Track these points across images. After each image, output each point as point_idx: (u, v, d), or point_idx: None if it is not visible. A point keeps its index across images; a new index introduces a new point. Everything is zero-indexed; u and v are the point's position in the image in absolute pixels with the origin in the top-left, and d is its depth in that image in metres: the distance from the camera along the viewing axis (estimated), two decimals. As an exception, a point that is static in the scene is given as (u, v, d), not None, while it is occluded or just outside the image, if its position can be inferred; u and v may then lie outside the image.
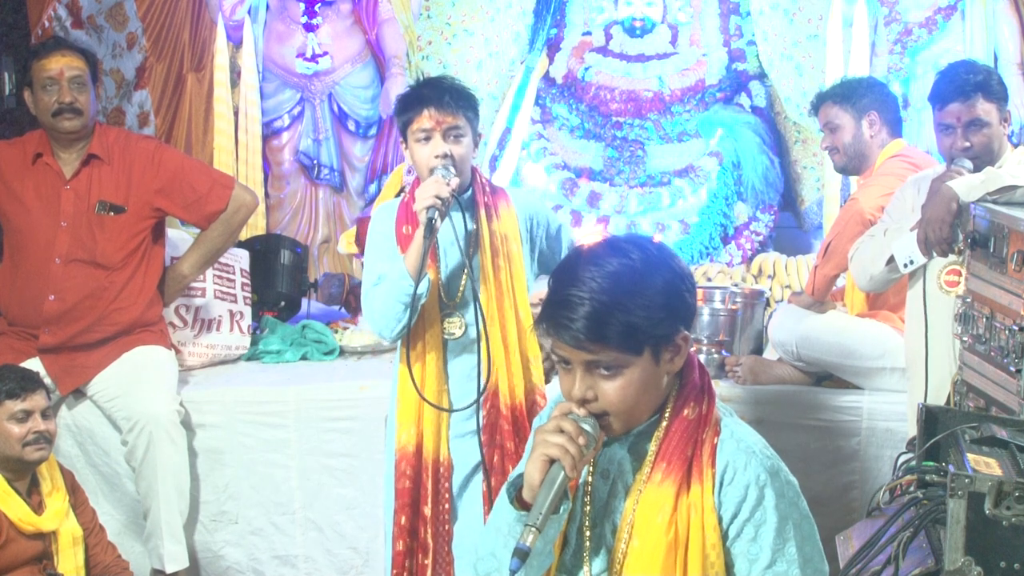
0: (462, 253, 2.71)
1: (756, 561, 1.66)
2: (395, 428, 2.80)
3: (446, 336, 2.77)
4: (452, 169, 2.67)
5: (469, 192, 2.79)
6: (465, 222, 2.73)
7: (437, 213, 2.59)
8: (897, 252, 2.99)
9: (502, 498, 1.67)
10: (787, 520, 1.67)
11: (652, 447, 1.70)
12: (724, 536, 1.67)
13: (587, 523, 1.72)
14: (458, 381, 2.78)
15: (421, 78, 2.93)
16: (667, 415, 1.70)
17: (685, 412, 1.70)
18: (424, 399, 2.71)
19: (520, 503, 1.64)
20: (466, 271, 2.73)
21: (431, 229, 2.59)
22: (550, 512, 1.58)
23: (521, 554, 1.54)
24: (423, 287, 2.64)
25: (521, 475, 1.65)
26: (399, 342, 2.78)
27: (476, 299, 2.71)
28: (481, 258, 2.77)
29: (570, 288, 1.62)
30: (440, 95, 2.69)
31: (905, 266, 2.98)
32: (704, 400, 1.72)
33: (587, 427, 1.62)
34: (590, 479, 1.73)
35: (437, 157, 2.68)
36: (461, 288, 2.76)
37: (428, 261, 2.69)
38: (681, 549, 1.65)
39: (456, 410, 2.76)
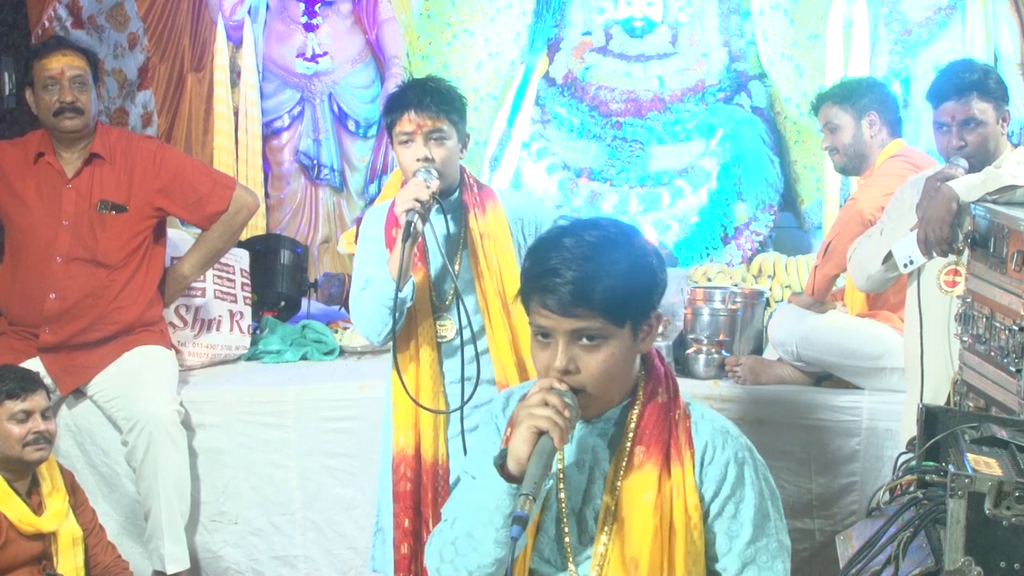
0: (442, 256, 2.71)
1: (737, 537, 1.72)
2: (391, 431, 2.80)
3: (439, 339, 2.77)
4: (434, 172, 2.66)
5: (457, 193, 2.79)
6: (447, 224, 2.72)
7: (417, 216, 2.57)
8: (897, 252, 2.99)
9: (489, 476, 1.67)
10: (764, 496, 1.74)
11: (628, 432, 1.73)
12: (705, 515, 1.72)
13: (564, 512, 1.74)
14: (454, 382, 2.78)
15: (408, 79, 2.90)
16: (639, 400, 1.74)
17: (656, 396, 1.74)
18: (418, 404, 2.71)
19: (503, 476, 1.65)
20: (451, 274, 2.73)
21: (408, 232, 2.57)
22: (543, 482, 1.60)
23: (522, 521, 1.55)
24: (406, 291, 2.63)
25: (502, 453, 1.66)
26: (392, 345, 2.79)
27: (460, 301, 2.70)
28: (471, 260, 2.76)
29: (553, 258, 1.65)
30: (421, 98, 2.67)
31: (905, 266, 2.98)
32: (670, 385, 1.77)
33: (569, 400, 1.64)
34: (561, 466, 1.75)
35: (418, 160, 2.67)
36: (452, 290, 2.76)
37: (416, 264, 2.69)
38: (666, 531, 1.68)
39: (447, 412, 2.76)
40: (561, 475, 1.75)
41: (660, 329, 3.82)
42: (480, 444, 1.85)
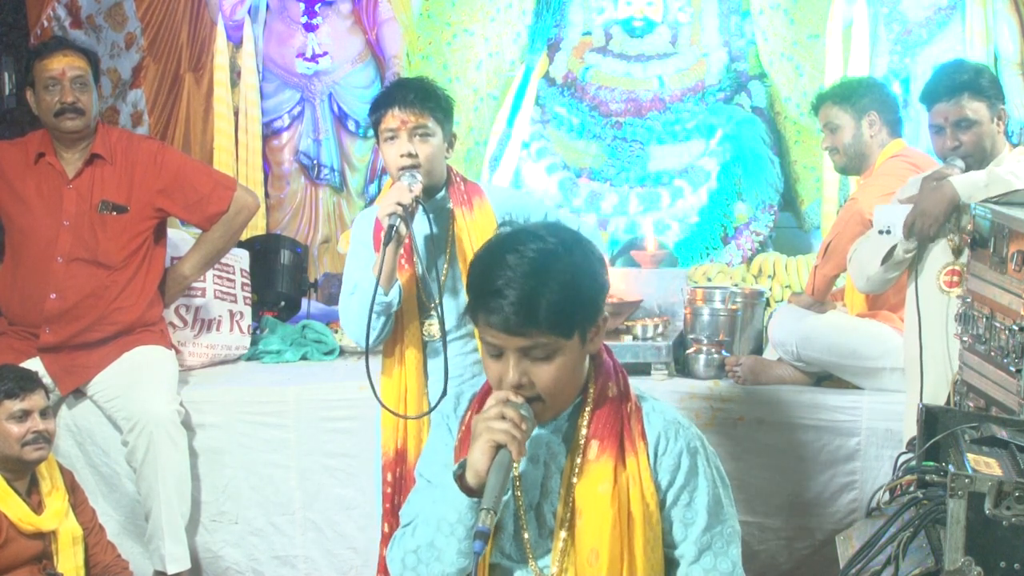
0: (421, 261, 2.70)
1: (692, 524, 1.76)
2: (380, 433, 2.79)
3: (426, 338, 2.77)
4: (417, 175, 2.66)
5: (443, 192, 2.79)
6: (431, 225, 2.72)
7: (399, 220, 2.58)
8: (878, 215, 3.01)
9: (449, 489, 1.69)
10: (716, 484, 1.78)
11: (582, 427, 1.76)
12: (660, 504, 1.76)
13: (522, 509, 1.76)
14: (438, 382, 2.76)
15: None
16: (591, 395, 1.77)
17: (607, 391, 1.77)
18: (387, 409, 2.71)
19: (462, 489, 1.68)
20: (436, 273, 2.72)
21: (390, 236, 2.57)
22: (502, 495, 1.62)
23: (483, 536, 1.58)
24: (392, 294, 2.63)
25: (460, 465, 1.68)
26: (381, 347, 2.78)
27: (441, 302, 2.70)
28: (459, 258, 2.76)
29: (496, 277, 1.65)
30: (406, 95, 2.69)
31: (880, 232, 2.99)
32: (620, 378, 1.80)
33: (525, 412, 1.67)
34: (516, 465, 1.77)
35: (402, 156, 2.68)
36: (441, 289, 2.75)
37: (402, 265, 2.69)
38: (625, 521, 1.72)
39: (420, 416, 2.74)
40: (517, 473, 1.78)
41: (660, 328, 3.83)
42: (432, 446, 1.87)
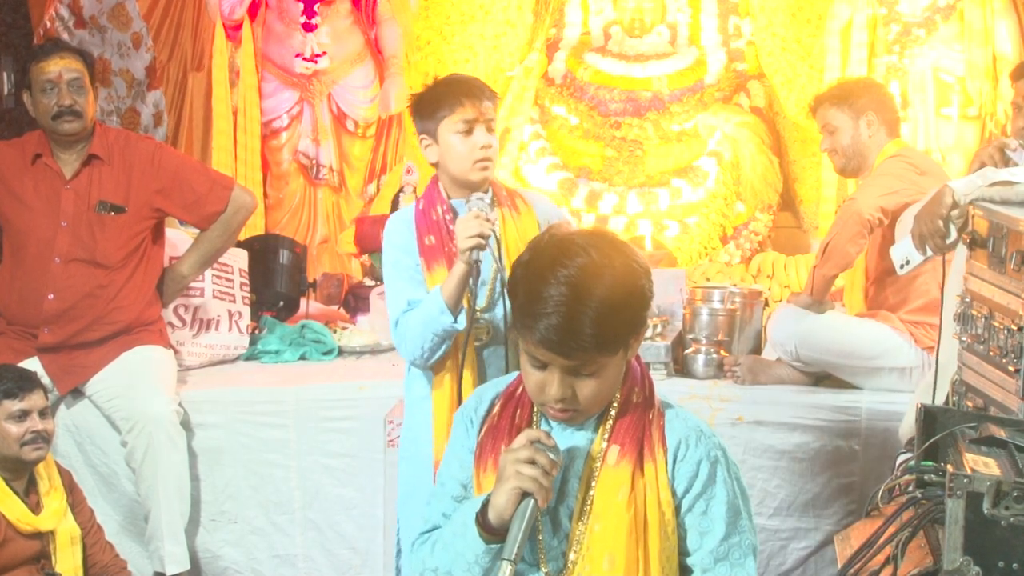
0: (497, 262, 2.65)
1: (708, 534, 1.72)
2: (432, 437, 2.69)
3: (476, 343, 2.72)
4: (486, 198, 2.62)
5: (489, 192, 2.72)
6: (496, 239, 2.65)
7: (479, 253, 2.53)
8: (894, 253, 2.99)
9: (469, 528, 1.67)
10: (736, 495, 1.74)
11: (604, 432, 1.74)
12: (676, 510, 1.73)
13: (539, 514, 1.74)
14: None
15: (448, 76, 2.86)
16: (617, 400, 1.75)
17: (632, 396, 1.75)
18: None
19: (483, 526, 1.66)
20: (501, 275, 2.67)
21: (478, 272, 2.55)
22: (523, 545, 1.60)
23: None
24: (461, 321, 2.58)
25: (483, 501, 1.67)
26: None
27: (505, 305, 2.63)
28: (507, 261, 2.71)
29: (541, 299, 1.62)
30: (481, 89, 2.67)
31: (901, 267, 2.98)
32: (646, 383, 1.78)
33: (554, 456, 1.64)
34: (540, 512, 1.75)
35: (482, 148, 2.63)
36: (488, 294, 2.69)
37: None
38: (641, 528, 1.70)
39: None
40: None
41: (659, 328, 3.82)
42: (452, 448, 1.85)
